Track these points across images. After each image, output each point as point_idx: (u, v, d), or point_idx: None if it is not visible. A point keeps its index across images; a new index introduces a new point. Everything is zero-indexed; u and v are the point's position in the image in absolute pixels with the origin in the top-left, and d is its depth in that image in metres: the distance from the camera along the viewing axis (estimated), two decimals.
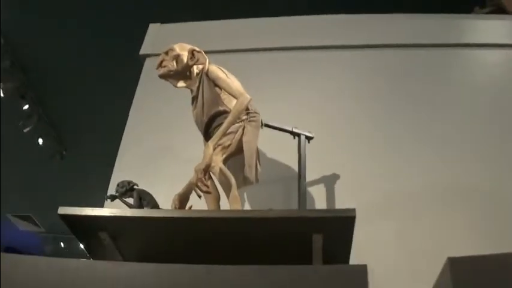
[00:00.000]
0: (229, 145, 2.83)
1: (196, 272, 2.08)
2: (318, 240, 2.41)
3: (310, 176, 3.37)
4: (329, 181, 3.63)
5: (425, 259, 2.93)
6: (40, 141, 9.92)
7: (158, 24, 5.04)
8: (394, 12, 4.89)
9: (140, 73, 4.68)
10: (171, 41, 3.13)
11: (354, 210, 2.37)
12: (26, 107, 9.33)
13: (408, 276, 3.18)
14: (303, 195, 3.14)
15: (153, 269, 2.14)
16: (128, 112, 4.44)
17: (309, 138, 3.40)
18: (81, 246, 2.93)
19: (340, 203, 3.49)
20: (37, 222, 12.38)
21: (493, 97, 4.24)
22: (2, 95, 8.92)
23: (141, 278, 2.12)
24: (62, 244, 13.13)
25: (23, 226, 12.54)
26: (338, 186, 3.61)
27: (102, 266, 2.26)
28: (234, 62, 3.60)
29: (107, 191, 3.67)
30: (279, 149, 3.64)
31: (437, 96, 4.27)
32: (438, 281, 2.00)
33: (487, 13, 5.51)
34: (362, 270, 1.98)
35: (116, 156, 4.15)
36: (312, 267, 2.27)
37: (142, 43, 4.90)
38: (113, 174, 3.95)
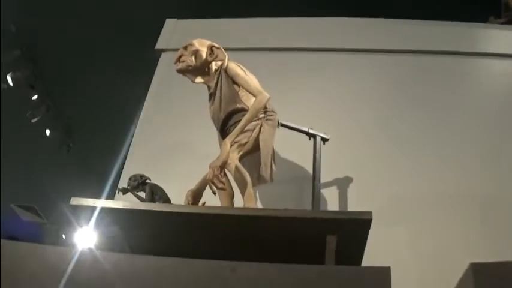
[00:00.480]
0: (245, 143, 2.82)
1: (221, 267, 2.08)
2: (331, 242, 2.40)
3: (323, 178, 3.37)
4: (342, 183, 3.63)
5: (439, 264, 2.94)
6: (47, 132, 9.91)
7: (175, 20, 5.04)
8: (410, 18, 4.89)
9: (153, 67, 4.68)
10: (188, 37, 3.14)
11: (370, 213, 2.36)
12: (35, 97, 9.31)
13: (421, 281, 3.17)
14: (316, 196, 3.13)
15: (170, 263, 2.13)
16: (138, 106, 4.44)
17: (324, 140, 3.40)
18: (84, 237, 2.93)
19: (353, 206, 3.49)
20: (40, 213, 12.38)
21: (504, 106, 4.26)
22: (11, 84, 8.89)
23: (155, 272, 2.11)
24: (63, 236, 13.13)
25: (26, 217, 12.54)
26: (351, 189, 3.62)
27: (115, 258, 2.24)
28: (251, 60, 3.58)
29: (112, 185, 3.66)
30: (294, 149, 3.65)
31: (449, 103, 4.30)
32: (459, 286, 1.98)
33: (502, 23, 5.50)
34: (385, 272, 1.97)
35: (123, 151, 4.14)
36: (335, 267, 2.26)
37: (156, 37, 4.90)
38: (124, 167, 3.95)
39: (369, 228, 2.40)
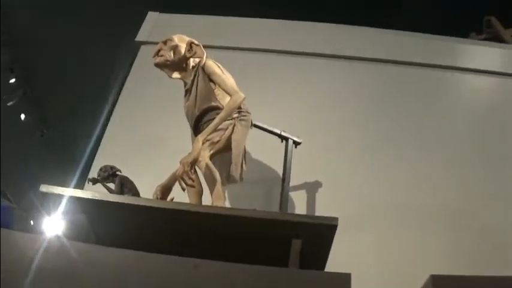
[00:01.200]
0: (218, 141, 2.82)
1: (184, 264, 2.08)
2: (296, 245, 2.42)
3: (294, 181, 3.40)
4: (311, 188, 3.65)
5: (401, 274, 2.97)
6: (22, 116, 9.79)
7: (157, 13, 5.02)
8: (393, 28, 4.94)
9: (131, 59, 4.66)
10: (169, 31, 3.14)
11: (336, 219, 2.39)
12: (13, 80, 9.18)
13: None
14: (285, 198, 3.15)
15: (134, 256, 2.13)
16: (114, 97, 4.41)
17: (296, 143, 3.42)
18: (52, 225, 2.91)
19: (321, 210, 3.51)
20: (10, 198, 12.23)
21: (480, 122, 4.33)
22: None
23: (118, 264, 2.12)
24: (31, 222, 13.00)
25: None
26: (320, 194, 3.65)
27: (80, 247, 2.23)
28: (230, 59, 3.61)
29: (83, 174, 3.64)
30: (265, 151, 3.66)
31: (424, 115, 4.35)
32: None
33: (483, 39, 5.59)
34: (346, 278, 1.99)
35: (96, 141, 4.12)
36: (297, 271, 2.27)
37: (135, 29, 4.88)
38: (96, 158, 3.94)
39: (334, 234, 2.42)
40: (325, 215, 2.49)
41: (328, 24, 4.92)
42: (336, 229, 2.39)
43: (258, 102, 3.46)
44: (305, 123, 3.98)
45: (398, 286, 2.61)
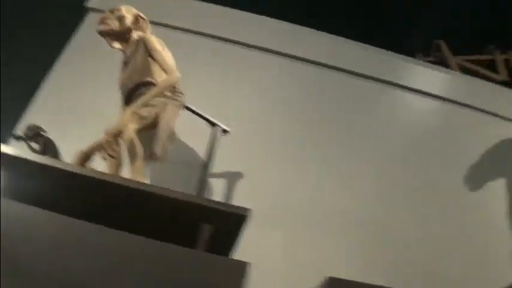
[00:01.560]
0: (146, 117, 2.83)
1: (89, 230, 2.09)
2: (206, 230, 2.45)
3: (217, 168, 3.43)
4: (233, 177, 3.67)
5: (303, 272, 3.03)
6: None
7: None
8: (342, 35, 4.99)
9: (75, 24, 4.58)
10: (119, 2, 3.12)
11: (249, 210, 2.43)
12: None
13: (283, 284, 3.28)
14: (203, 184, 3.17)
15: (36, 214, 2.13)
16: (56, 57, 4.34)
17: (224, 131, 3.41)
18: None
19: (237, 200, 3.48)
20: None
21: (413, 141, 4.46)
22: None
23: (24, 221, 2.11)
24: None
25: None
26: (240, 184, 3.67)
27: None
28: (174, 39, 3.64)
29: (10, 129, 3.58)
30: (193, 135, 3.62)
31: (359, 125, 4.43)
32: None
33: (428, 62, 5.72)
34: (244, 266, 2.06)
35: (29, 98, 4.04)
36: (197, 252, 2.29)
37: None
38: (26, 115, 3.85)
39: (245, 224, 2.46)
40: (241, 205, 2.54)
41: (274, 19, 4.91)
42: (246, 220, 2.43)
43: (195, 86, 3.49)
44: (236, 114, 3.99)
45: (299, 284, 2.67)
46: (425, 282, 3.62)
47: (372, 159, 4.25)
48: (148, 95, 2.83)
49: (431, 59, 6.20)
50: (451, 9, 6.74)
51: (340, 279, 1.98)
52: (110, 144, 2.69)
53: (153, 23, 3.16)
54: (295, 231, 3.63)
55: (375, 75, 4.77)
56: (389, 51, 5.12)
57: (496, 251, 3.95)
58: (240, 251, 2.70)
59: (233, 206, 2.56)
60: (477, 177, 4.33)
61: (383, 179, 4.16)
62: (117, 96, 3.04)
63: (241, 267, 2.06)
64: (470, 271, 3.78)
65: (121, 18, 3.06)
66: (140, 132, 2.83)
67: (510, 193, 4.26)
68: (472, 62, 6.56)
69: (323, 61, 4.67)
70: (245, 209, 2.46)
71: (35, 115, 3.78)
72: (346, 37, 5.07)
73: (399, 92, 4.78)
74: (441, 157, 4.43)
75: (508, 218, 4.12)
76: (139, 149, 2.72)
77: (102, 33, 3.08)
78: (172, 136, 2.94)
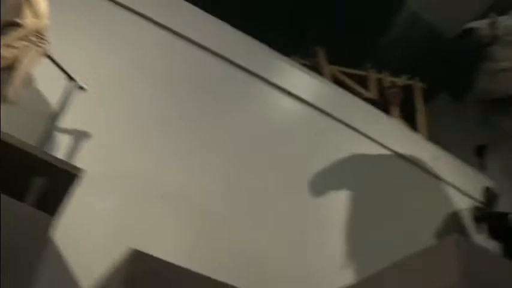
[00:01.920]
0: (6, 57, 2.76)
1: None
2: (37, 183, 2.43)
3: (65, 124, 3.38)
4: (80, 137, 3.54)
5: (120, 243, 3.04)
6: None
7: None
8: (231, 21, 4.97)
9: None
10: None
11: (82, 170, 2.47)
12: None
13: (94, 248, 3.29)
14: (48, 136, 3.13)
15: None
16: None
17: (81, 88, 3.34)
18: None
19: (78, 160, 3.40)
20: None
21: (276, 140, 4.59)
22: None
23: None
24: None
25: None
26: (85, 144, 3.58)
27: None
28: None
29: None
30: (49, 87, 3.50)
31: (217, 109, 4.47)
32: (117, 265, 2.11)
33: (302, 64, 5.79)
34: (47, 219, 2.13)
35: None
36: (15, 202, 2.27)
37: None
38: None
39: (75, 184, 2.50)
40: (81, 165, 2.56)
41: None
42: (76, 179, 2.46)
43: (64, 38, 3.39)
44: (97, 74, 3.85)
45: (112, 253, 2.67)
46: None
47: (225, 149, 4.31)
48: (13, 35, 2.77)
49: (306, 62, 6.26)
50: (338, 19, 6.89)
51: (145, 253, 2.00)
52: None
53: None
54: (127, 201, 3.62)
55: (246, 66, 4.79)
56: (266, 46, 5.16)
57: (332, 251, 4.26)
58: (69, 211, 2.73)
59: (67, 164, 2.57)
60: (322, 183, 4.55)
61: (231, 171, 4.24)
62: None
63: (44, 220, 2.13)
64: (300, 272, 3.98)
65: None
66: None
67: (349, 202, 4.56)
68: (346, 74, 6.77)
69: (199, 41, 4.63)
70: (78, 169, 2.49)
71: None
72: (233, 25, 5.01)
73: (267, 89, 4.85)
74: (294, 158, 4.59)
75: (344, 222, 4.43)
76: None
77: None
78: (28, 82, 2.88)
